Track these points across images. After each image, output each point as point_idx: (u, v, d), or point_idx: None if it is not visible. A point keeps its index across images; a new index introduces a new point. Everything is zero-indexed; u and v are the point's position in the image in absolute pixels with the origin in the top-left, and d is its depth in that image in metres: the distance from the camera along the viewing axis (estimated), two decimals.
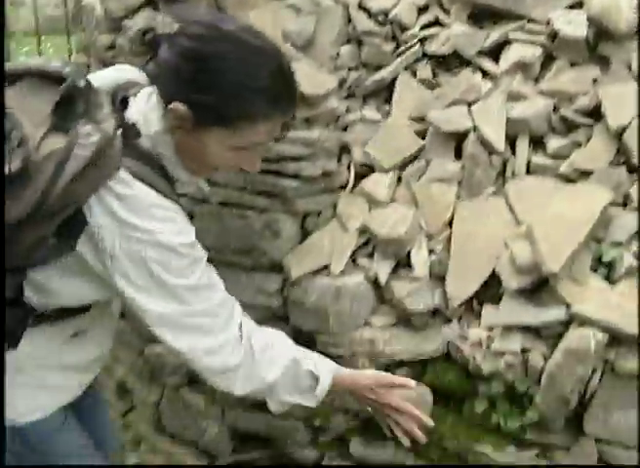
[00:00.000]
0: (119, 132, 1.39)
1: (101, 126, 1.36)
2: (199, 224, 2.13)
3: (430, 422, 1.67)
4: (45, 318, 1.58)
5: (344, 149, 2.24)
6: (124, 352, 2.81)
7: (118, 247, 1.39)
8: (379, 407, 1.68)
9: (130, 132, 1.44)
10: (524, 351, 1.85)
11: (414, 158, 2.20)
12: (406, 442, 1.68)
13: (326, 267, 2.09)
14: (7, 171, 1.28)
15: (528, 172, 2.08)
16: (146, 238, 1.38)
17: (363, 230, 2.10)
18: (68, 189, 1.31)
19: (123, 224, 1.37)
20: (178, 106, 1.35)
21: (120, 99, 1.48)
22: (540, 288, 1.87)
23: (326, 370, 1.63)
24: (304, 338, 2.16)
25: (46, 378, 1.66)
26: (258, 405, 2.36)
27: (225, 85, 1.34)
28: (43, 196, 1.29)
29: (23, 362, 1.62)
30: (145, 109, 1.45)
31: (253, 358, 1.55)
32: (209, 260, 2.28)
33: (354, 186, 2.20)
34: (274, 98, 1.38)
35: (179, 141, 1.44)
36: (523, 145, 2.08)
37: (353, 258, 2.11)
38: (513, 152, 2.10)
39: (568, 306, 1.80)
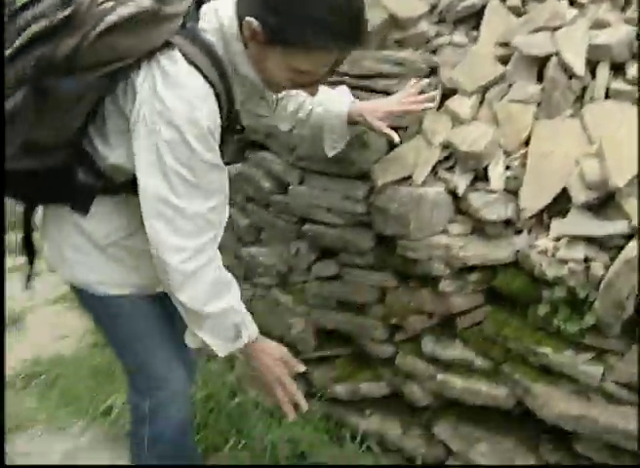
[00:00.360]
0: (181, 15, 1.51)
1: (162, 5, 1.48)
2: (295, 134, 2.30)
3: (305, 406, 1.75)
4: (116, 191, 1.69)
5: (433, 71, 2.33)
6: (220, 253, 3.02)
7: (143, 112, 1.49)
8: (260, 371, 1.75)
9: (193, 21, 1.54)
10: (587, 260, 1.92)
11: (495, 83, 2.27)
12: (292, 415, 1.76)
13: (409, 177, 2.19)
14: (57, 19, 1.44)
15: (607, 97, 2.11)
16: (165, 113, 1.46)
17: (445, 145, 2.20)
18: (103, 40, 1.44)
19: (154, 93, 1.48)
20: (252, 21, 1.46)
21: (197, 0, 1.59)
22: (606, 203, 1.95)
23: (248, 332, 1.70)
24: (386, 243, 2.31)
25: (122, 260, 1.77)
26: (340, 303, 2.54)
27: (297, 12, 1.43)
28: (80, 42, 1.44)
29: (99, 239, 1.74)
30: (220, 10, 1.55)
31: (206, 279, 1.60)
32: (302, 169, 2.47)
33: (440, 105, 2.29)
34: (338, 35, 1.47)
35: (251, 53, 1.55)
36: (603, 71, 2.12)
37: (435, 171, 2.21)
38: (594, 77, 2.14)
39: (631, 221, 1.87)
